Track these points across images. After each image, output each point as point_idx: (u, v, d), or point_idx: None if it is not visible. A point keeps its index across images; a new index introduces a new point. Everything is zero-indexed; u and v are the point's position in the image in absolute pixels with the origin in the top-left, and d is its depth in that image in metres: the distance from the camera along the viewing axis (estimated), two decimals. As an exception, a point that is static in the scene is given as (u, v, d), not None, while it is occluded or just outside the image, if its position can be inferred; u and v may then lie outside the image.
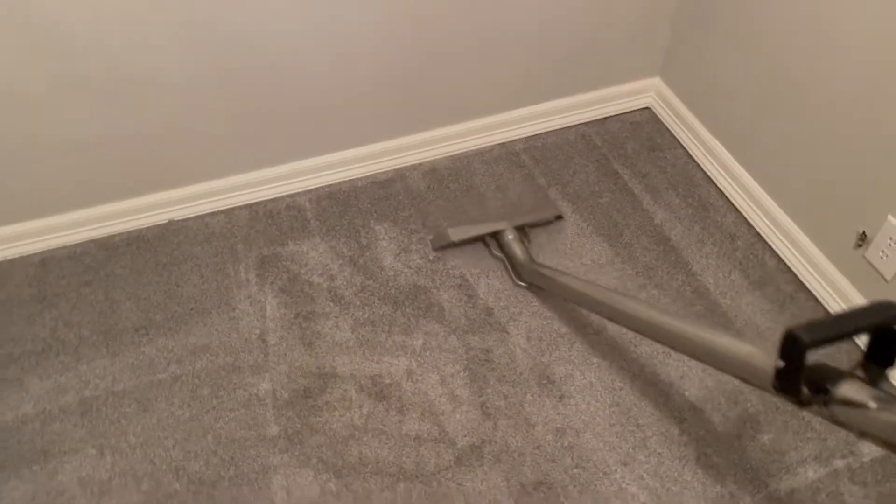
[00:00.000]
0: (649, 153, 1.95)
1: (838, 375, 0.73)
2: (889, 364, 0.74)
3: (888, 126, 1.33)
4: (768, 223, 1.71)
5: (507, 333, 1.55)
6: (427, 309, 1.60)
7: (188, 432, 1.40)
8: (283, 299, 1.62)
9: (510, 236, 1.66)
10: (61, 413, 1.43)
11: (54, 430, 1.41)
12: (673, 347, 1.09)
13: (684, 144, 1.96)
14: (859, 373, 0.74)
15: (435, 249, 1.70)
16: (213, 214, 1.79)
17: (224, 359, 1.51)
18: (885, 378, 0.74)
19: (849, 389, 0.72)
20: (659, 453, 1.37)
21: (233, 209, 1.81)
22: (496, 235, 1.69)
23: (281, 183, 1.82)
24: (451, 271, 1.67)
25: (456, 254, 1.71)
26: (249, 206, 1.81)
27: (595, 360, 1.51)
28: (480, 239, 1.71)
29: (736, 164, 1.80)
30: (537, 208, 1.77)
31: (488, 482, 1.33)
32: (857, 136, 1.42)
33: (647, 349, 1.52)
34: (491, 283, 1.65)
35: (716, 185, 1.86)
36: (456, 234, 1.67)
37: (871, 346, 0.75)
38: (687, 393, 1.46)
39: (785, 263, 1.68)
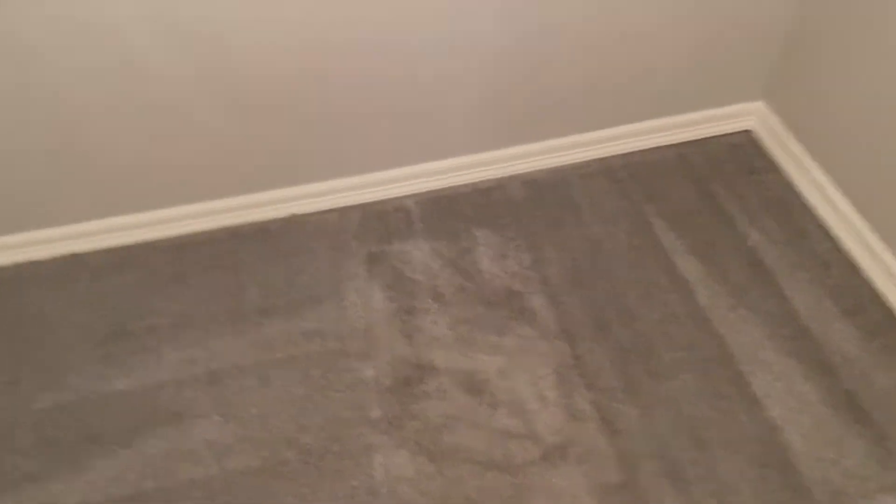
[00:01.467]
0: (748, 176, 1.99)
1: None
2: None
3: None
4: (866, 253, 1.73)
5: (596, 343, 1.64)
6: (520, 312, 1.71)
7: (301, 408, 1.56)
8: (388, 294, 1.75)
9: None
10: (192, 382, 1.61)
11: (186, 396, 1.59)
12: None
13: (784, 169, 1.98)
14: None
15: None
16: (329, 211, 1.96)
17: (334, 344, 1.66)
18: None
19: None
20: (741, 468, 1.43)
21: (346, 208, 1.96)
22: None
23: (390, 185, 1.96)
24: (545, 279, 1.77)
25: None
26: (361, 206, 1.96)
27: (681, 376, 1.57)
28: None
29: (837, 192, 1.81)
30: None
31: (571, 480, 1.43)
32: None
33: (736, 368, 1.58)
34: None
35: (812, 213, 1.88)
36: None
37: None
38: (767, 412, 1.50)
39: (878, 295, 1.69)
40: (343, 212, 1.96)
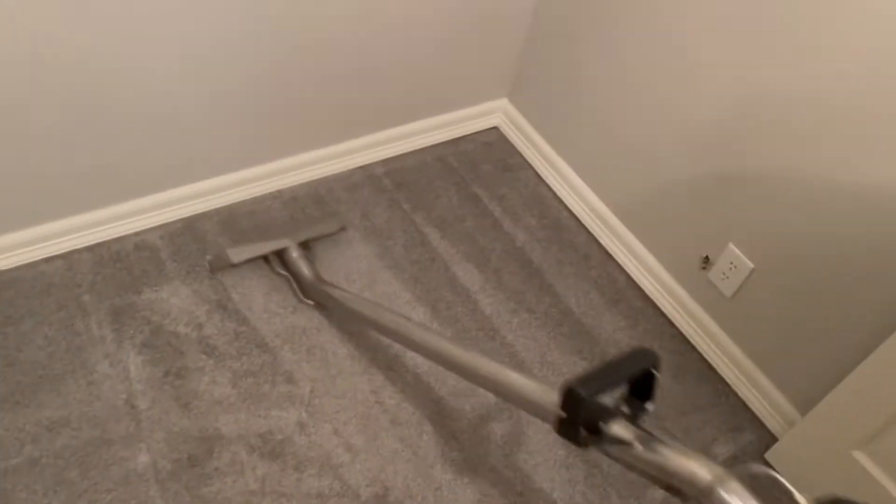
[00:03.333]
0: (503, 174, 2.03)
1: (609, 414, 0.83)
2: (648, 398, 0.86)
3: (718, 162, 1.51)
4: (617, 243, 1.86)
5: (396, 372, 1.55)
6: (309, 352, 1.55)
7: (60, 524, 1.24)
8: (148, 356, 1.47)
9: (295, 254, 1.62)
10: None
11: None
12: (464, 377, 1.17)
13: (533, 165, 2.06)
14: (624, 408, 0.85)
15: (213, 272, 1.61)
16: (47, 260, 1.58)
17: (89, 432, 1.35)
18: (646, 411, 0.86)
19: (617, 429, 0.82)
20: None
21: (71, 252, 1.60)
22: (280, 253, 1.64)
23: (124, 221, 1.65)
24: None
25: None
26: (90, 249, 1.62)
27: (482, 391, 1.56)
28: (263, 257, 1.65)
29: (583, 184, 1.93)
30: (320, 221, 1.74)
31: (398, 531, 1.34)
32: (700, 169, 1.59)
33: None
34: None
35: (566, 206, 1.98)
36: (236, 254, 1.59)
37: (633, 384, 0.86)
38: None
39: (633, 281, 1.84)
40: (67, 258, 1.59)
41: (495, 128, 2.15)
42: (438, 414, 1.51)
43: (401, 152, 2.00)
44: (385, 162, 1.97)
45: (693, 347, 1.73)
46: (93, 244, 1.62)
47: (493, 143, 2.10)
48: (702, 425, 1.60)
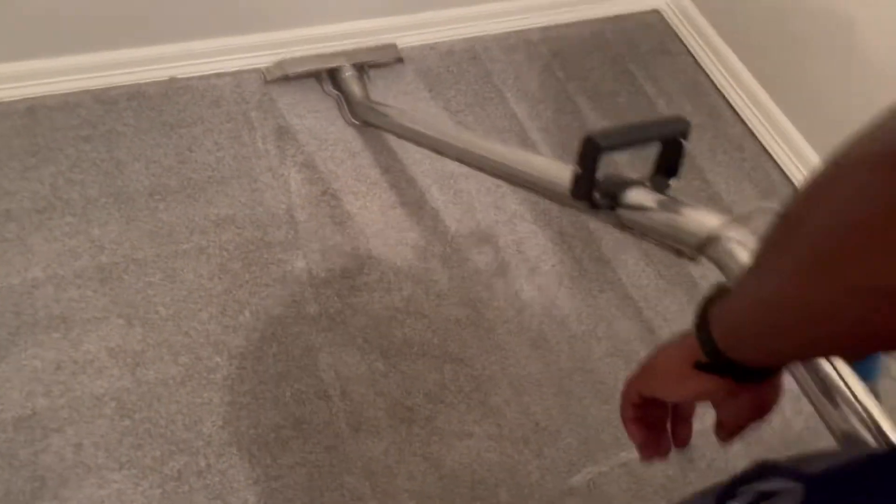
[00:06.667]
0: (661, 56, 1.96)
1: (627, 183, 0.77)
2: (674, 174, 0.78)
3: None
4: (775, 136, 1.79)
5: (539, 224, 1.56)
6: (456, 195, 1.57)
7: (223, 306, 1.33)
8: (307, 175, 1.53)
9: (348, 73, 1.64)
10: (77, 279, 1.31)
11: (71, 296, 1.29)
12: (492, 174, 1.12)
13: (693, 51, 1.98)
14: (647, 182, 0.77)
15: (268, 81, 1.64)
16: (219, 76, 1.64)
17: (252, 232, 1.43)
18: (669, 187, 0.77)
19: (635, 195, 0.76)
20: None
21: (241, 72, 1.66)
22: (333, 72, 1.65)
23: (289, 48, 1.68)
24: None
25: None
26: (257, 70, 1.67)
27: (622, 256, 1.55)
28: (316, 74, 1.67)
29: (746, 72, 1.84)
30: (379, 49, 1.74)
31: (530, 366, 1.37)
32: (869, 57, 1.49)
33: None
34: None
35: (723, 95, 1.90)
36: (291, 66, 1.63)
37: (660, 157, 0.78)
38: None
39: (788, 177, 1.77)
40: (237, 77, 1.65)
41: (656, 10, 2.06)
42: (582, 271, 1.52)
43: (558, 22, 1.95)
44: (542, 30, 1.93)
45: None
46: (262, 66, 1.67)
47: (652, 25, 2.03)
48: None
